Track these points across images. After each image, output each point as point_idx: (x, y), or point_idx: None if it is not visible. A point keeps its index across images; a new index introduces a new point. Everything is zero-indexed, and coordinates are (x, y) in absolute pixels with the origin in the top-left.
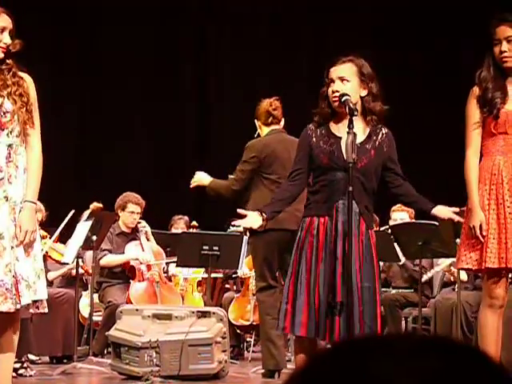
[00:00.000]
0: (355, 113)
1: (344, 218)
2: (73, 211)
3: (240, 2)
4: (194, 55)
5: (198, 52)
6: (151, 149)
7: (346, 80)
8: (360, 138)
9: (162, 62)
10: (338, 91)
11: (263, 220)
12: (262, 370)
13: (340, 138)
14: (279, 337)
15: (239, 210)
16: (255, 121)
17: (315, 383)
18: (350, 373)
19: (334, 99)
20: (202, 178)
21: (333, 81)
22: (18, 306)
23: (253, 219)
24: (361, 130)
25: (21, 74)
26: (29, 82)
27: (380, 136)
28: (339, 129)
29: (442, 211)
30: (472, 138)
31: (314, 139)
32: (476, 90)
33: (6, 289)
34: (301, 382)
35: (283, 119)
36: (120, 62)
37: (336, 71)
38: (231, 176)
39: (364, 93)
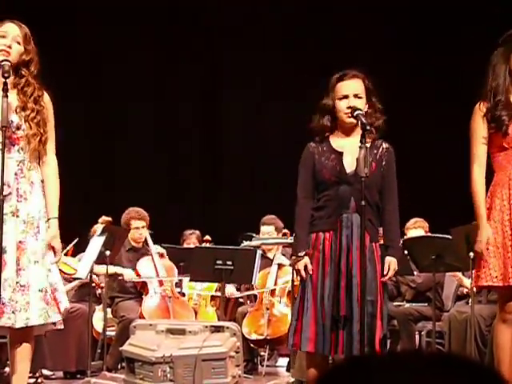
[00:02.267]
0: (368, 127)
1: (347, 232)
2: (76, 239)
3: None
4: (201, 60)
5: (205, 56)
6: (163, 163)
7: (360, 97)
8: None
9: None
10: (354, 108)
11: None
12: None
13: (341, 152)
14: None
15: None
16: None
17: None
18: None
19: (349, 115)
20: None
21: (346, 96)
22: (25, 324)
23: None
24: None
25: (43, 99)
26: (49, 107)
27: (380, 150)
28: (340, 143)
29: (386, 264)
30: (478, 154)
31: (317, 156)
32: (481, 107)
33: (3, 303)
34: None
35: None
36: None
37: (350, 87)
38: None
39: (366, 108)
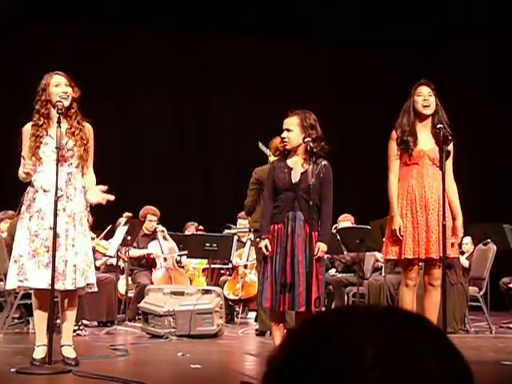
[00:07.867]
0: (314, 150)
1: (292, 224)
2: (110, 225)
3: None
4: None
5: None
6: (174, 174)
7: (290, 130)
8: (302, 169)
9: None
10: (283, 138)
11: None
12: (251, 331)
13: (291, 168)
14: None
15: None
16: (268, 150)
17: (295, 348)
18: (323, 338)
19: (283, 143)
20: None
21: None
22: (74, 287)
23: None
24: (302, 163)
25: (84, 123)
26: (89, 130)
27: (319, 166)
28: (293, 161)
29: (316, 248)
30: (393, 167)
31: (276, 170)
32: (394, 134)
33: (59, 273)
34: (286, 345)
35: None
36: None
37: (285, 123)
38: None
39: (300, 138)
